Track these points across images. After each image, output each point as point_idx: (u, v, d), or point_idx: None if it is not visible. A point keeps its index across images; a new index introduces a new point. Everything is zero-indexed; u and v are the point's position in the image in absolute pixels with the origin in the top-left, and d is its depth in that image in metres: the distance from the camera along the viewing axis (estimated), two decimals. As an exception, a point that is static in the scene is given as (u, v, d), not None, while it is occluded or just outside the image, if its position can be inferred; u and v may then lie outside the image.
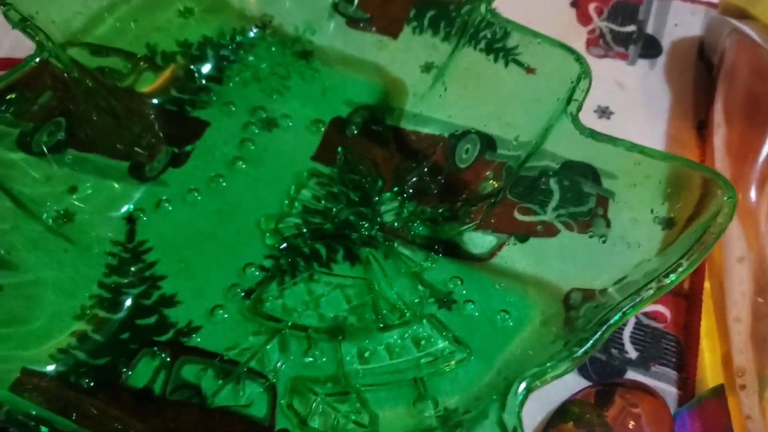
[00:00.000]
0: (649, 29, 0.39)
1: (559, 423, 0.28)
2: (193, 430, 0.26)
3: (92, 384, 0.26)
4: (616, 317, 0.22)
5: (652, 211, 0.25)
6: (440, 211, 0.31)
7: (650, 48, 0.38)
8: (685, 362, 0.29)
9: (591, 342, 0.22)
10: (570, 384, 0.28)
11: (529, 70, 0.30)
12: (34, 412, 0.22)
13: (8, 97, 0.29)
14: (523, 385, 0.21)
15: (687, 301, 0.30)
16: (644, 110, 0.36)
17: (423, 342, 0.28)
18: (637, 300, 0.22)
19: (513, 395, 0.21)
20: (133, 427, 0.25)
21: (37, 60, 0.28)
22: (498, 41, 0.31)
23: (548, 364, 0.21)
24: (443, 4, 0.35)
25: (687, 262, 0.22)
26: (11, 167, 0.32)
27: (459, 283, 0.29)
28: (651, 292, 0.22)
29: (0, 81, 0.28)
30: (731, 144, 0.31)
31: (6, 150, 0.32)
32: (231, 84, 0.35)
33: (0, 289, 0.27)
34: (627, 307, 0.22)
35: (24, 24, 0.27)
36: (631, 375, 0.29)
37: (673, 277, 0.22)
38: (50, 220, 0.29)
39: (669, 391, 0.28)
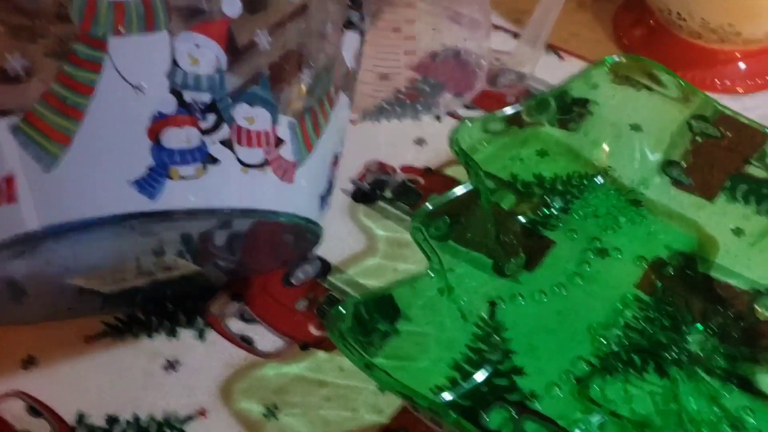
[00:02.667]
0: None
1: None
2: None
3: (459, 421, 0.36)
4: None
5: None
6: (739, 350, 0.38)
7: None
8: None
9: None
10: None
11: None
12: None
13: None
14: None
15: None
16: None
17: (714, 451, 0.35)
18: None
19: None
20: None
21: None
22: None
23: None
24: (756, 180, 0.43)
25: None
26: (404, 246, 0.45)
27: (750, 413, 0.36)
28: None
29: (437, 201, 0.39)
30: None
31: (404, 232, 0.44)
32: (575, 216, 0.44)
33: (398, 333, 0.38)
34: None
35: (467, 158, 0.39)
36: None
37: None
38: (437, 290, 0.40)
39: None
